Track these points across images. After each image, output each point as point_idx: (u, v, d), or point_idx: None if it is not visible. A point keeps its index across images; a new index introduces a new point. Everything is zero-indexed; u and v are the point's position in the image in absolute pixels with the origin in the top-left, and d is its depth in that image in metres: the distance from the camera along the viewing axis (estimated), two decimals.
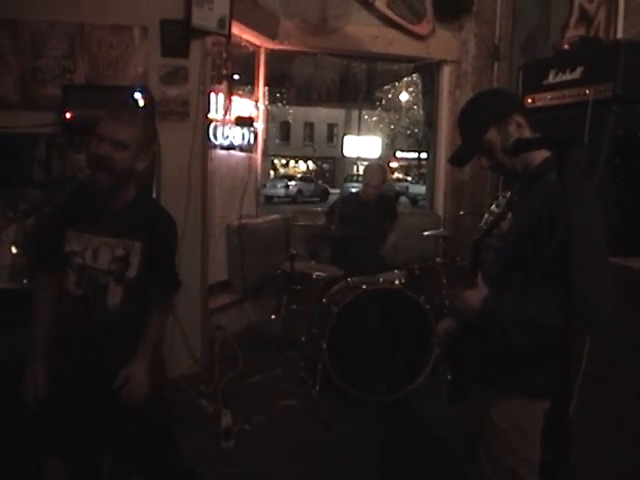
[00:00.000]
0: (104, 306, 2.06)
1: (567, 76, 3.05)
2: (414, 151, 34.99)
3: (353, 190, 5.86)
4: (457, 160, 2.02)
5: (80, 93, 3.71)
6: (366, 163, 6.27)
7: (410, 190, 29.97)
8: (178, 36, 3.98)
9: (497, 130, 1.84)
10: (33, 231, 3.29)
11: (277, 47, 5.74)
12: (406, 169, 41.46)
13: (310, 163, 43.07)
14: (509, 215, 1.87)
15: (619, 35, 3.66)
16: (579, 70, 2.96)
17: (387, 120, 35.17)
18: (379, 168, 5.32)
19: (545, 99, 3.17)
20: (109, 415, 2.07)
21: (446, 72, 6.22)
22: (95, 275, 2.05)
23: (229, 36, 4.29)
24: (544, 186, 1.76)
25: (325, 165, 42.88)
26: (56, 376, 2.09)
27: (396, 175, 40.18)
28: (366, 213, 4.92)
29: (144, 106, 3.65)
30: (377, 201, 5.02)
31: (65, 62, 3.81)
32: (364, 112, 32.84)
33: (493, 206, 1.90)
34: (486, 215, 1.89)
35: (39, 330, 2.12)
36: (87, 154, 2.06)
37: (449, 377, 2.18)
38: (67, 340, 2.11)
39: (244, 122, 5.38)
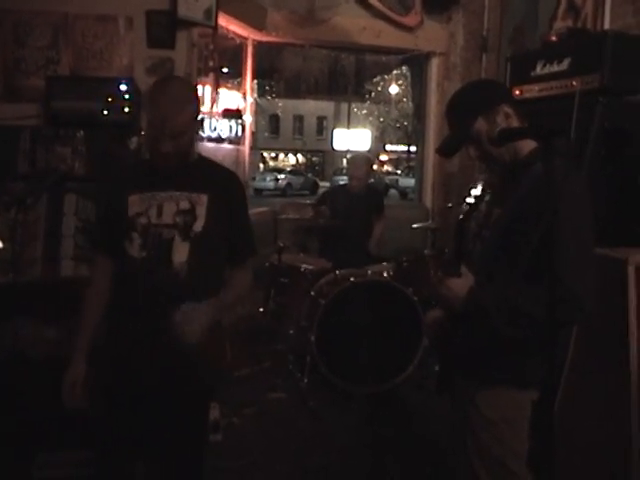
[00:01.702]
0: (170, 264, 1.94)
1: (554, 67, 3.05)
2: (404, 144, 35.00)
3: (342, 182, 5.84)
4: (445, 150, 2.01)
5: (64, 84, 3.65)
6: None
7: (400, 183, 30.01)
8: (164, 27, 3.93)
9: (485, 120, 1.83)
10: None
11: (265, 39, 5.71)
12: (396, 162, 41.48)
13: (300, 156, 43.00)
14: (487, 198, 1.86)
15: (606, 26, 3.67)
16: (566, 61, 2.96)
17: (376, 113, 35.17)
18: (364, 159, 5.29)
19: (533, 90, 3.17)
20: (165, 400, 1.96)
21: (434, 64, 6.22)
22: (160, 232, 1.95)
23: (216, 27, 4.24)
24: (531, 176, 1.75)
25: (315, 158, 42.83)
26: (112, 364, 1.99)
27: (386, 168, 40.22)
28: (354, 205, 4.90)
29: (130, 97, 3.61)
30: (365, 193, 5.00)
31: (49, 53, 3.75)
32: (353, 105, 32.83)
33: (473, 190, 1.91)
34: (467, 200, 1.90)
35: (88, 324, 2.02)
36: (147, 144, 2.04)
37: (437, 368, 2.18)
38: (127, 315, 1.99)
39: (232, 115, 5.36)
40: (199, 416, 2.11)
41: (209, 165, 2.16)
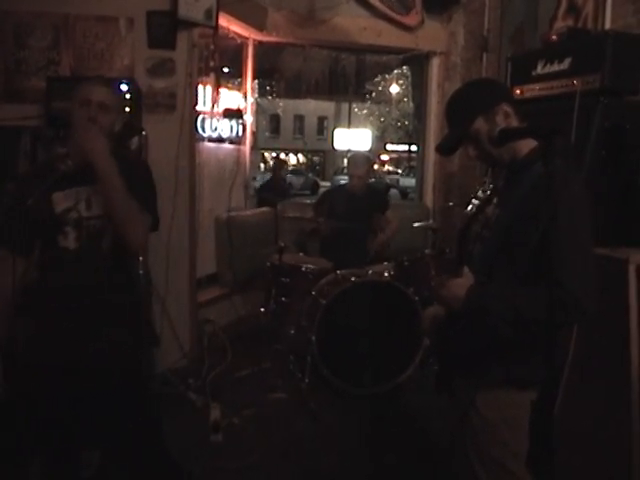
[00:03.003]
0: (100, 249, 2.12)
1: (555, 67, 3.04)
2: (404, 144, 34.95)
3: (342, 182, 5.84)
4: (444, 148, 2.01)
5: (65, 85, 3.65)
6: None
7: (401, 183, 29.99)
8: (165, 28, 3.94)
9: (485, 119, 1.83)
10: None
11: (265, 39, 5.71)
12: (396, 162, 41.46)
13: (300, 156, 42.97)
14: (494, 201, 1.86)
15: (607, 26, 3.65)
16: (567, 61, 2.95)
17: (377, 113, 35.11)
18: (363, 158, 5.28)
19: (534, 90, 3.16)
20: (98, 390, 2.07)
21: (435, 64, 6.21)
22: (93, 223, 2.12)
23: (216, 27, 4.25)
24: (531, 176, 1.75)
25: (315, 158, 42.79)
26: (42, 356, 2.09)
27: (387, 168, 40.19)
28: (354, 205, 4.89)
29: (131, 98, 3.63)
30: (365, 193, 4.99)
31: (50, 54, 3.77)
32: (354, 105, 32.76)
33: (479, 192, 1.90)
34: (473, 201, 1.90)
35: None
36: (69, 118, 2.14)
37: (436, 368, 2.18)
38: (60, 306, 2.11)
39: (232, 114, 5.36)
40: (136, 382, 2.26)
41: (121, 157, 2.27)
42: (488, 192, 1.91)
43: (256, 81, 6.14)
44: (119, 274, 2.18)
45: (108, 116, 2.12)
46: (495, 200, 1.89)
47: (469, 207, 1.91)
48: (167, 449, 2.36)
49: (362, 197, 4.96)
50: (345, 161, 33.01)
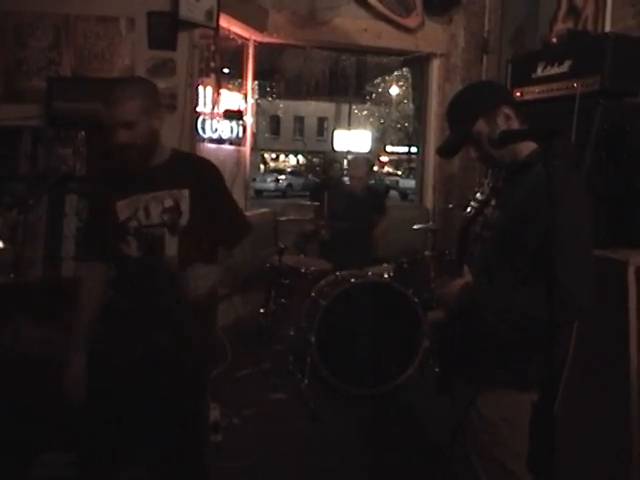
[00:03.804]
0: (162, 259, 2.08)
1: (555, 69, 3.04)
2: (404, 145, 34.97)
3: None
4: (445, 151, 2.02)
5: (65, 85, 3.66)
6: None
7: (400, 184, 30.05)
8: (165, 28, 3.93)
9: (486, 121, 1.84)
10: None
11: (266, 40, 5.72)
12: (396, 163, 41.46)
13: (300, 157, 42.96)
14: (493, 202, 1.87)
15: (607, 28, 3.66)
16: (567, 63, 2.96)
17: (377, 114, 35.12)
18: (364, 160, 5.34)
19: (534, 92, 3.16)
20: (144, 393, 2.06)
21: (435, 65, 6.23)
22: (152, 231, 2.08)
23: (217, 28, 4.25)
24: (531, 178, 1.76)
25: (315, 159, 42.77)
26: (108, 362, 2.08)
27: (386, 169, 40.19)
28: (354, 206, 4.91)
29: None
30: (365, 194, 5.01)
31: (50, 54, 3.76)
32: (354, 106, 32.78)
33: (478, 194, 1.91)
34: (471, 203, 1.91)
35: (84, 325, 2.12)
36: (107, 145, 2.03)
37: (436, 369, 2.18)
38: (126, 311, 2.11)
39: (233, 115, 5.36)
40: (197, 406, 2.29)
41: (184, 158, 2.24)
42: (486, 193, 1.91)
43: (256, 82, 6.15)
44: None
45: (138, 129, 1.99)
46: (494, 201, 1.90)
47: (468, 209, 1.92)
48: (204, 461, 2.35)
49: (362, 198, 4.98)
50: (345, 162, 33.03)
